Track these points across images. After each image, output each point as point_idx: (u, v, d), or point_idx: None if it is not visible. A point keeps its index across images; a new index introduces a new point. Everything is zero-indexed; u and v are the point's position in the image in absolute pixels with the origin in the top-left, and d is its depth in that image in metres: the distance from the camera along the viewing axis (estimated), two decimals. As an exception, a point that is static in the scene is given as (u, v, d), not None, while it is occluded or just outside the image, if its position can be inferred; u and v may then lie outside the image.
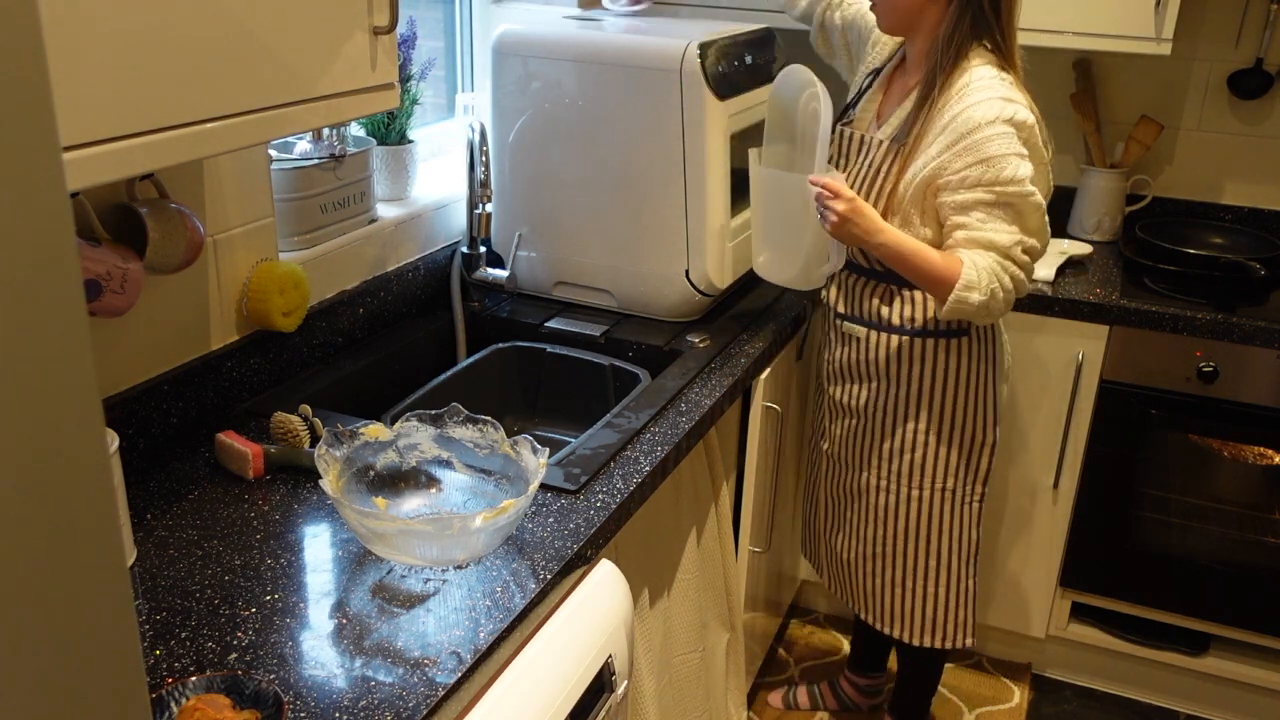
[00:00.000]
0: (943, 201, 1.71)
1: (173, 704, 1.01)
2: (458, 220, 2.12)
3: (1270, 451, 2.25)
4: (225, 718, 0.98)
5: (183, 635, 1.11)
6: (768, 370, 1.96)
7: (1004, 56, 1.72)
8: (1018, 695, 2.53)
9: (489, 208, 2.00)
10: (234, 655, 1.08)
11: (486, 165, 1.97)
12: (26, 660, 0.57)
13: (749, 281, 2.13)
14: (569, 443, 1.55)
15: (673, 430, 1.59)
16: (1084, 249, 2.47)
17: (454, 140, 2.30)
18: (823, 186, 1.70)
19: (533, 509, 1.36)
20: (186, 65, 1.01)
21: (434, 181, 2.12)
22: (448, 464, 1.38)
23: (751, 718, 2.38)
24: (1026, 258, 1.71)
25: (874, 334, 1.88)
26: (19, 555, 0.55)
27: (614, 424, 1.59)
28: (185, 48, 1.01)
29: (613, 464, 1.48)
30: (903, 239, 1.72)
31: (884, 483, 1.94)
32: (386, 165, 1.97)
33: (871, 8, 1.78)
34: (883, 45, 1.92)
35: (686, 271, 1.95)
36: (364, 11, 1.23)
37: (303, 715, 1.01)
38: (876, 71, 1.91)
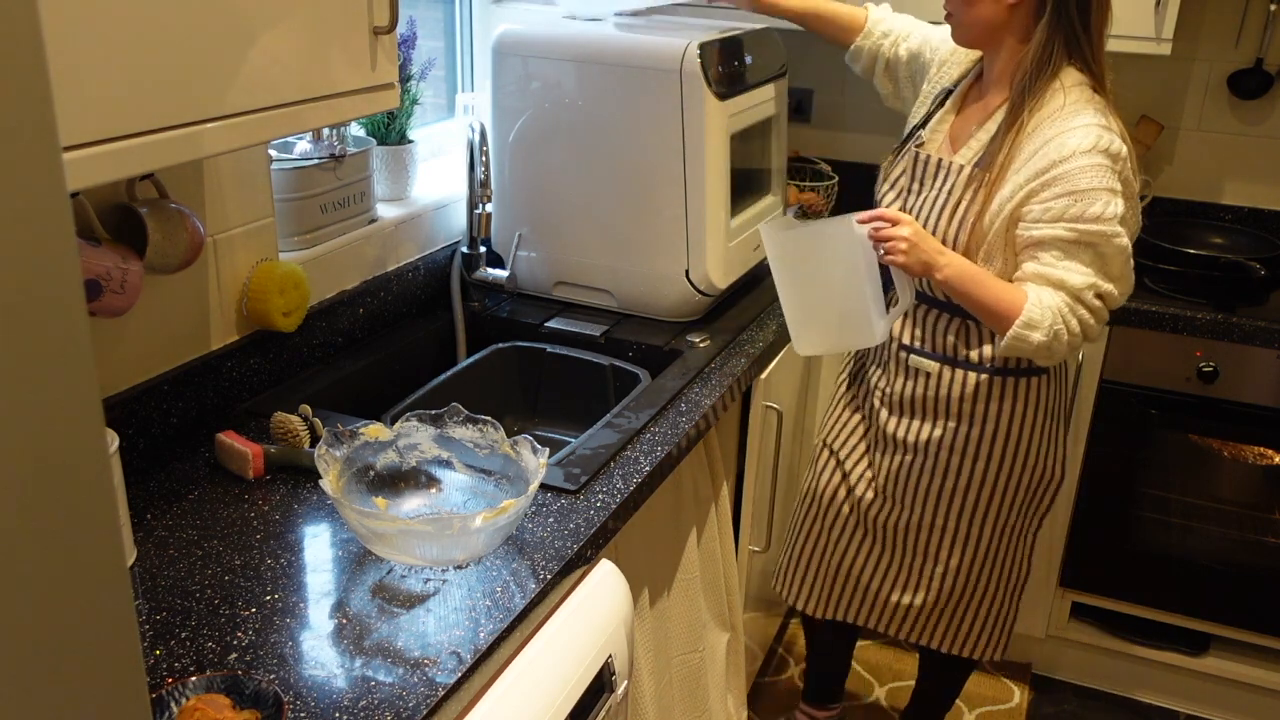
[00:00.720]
0: (1019, 232, 1.59)
1: (173, 704, 1.01)
2: (458, 220, 2.12)
3: (1270, 451, 2.25)
4: (225, 718, 0.98)
5: (183, 635, 1.11)
6: (768, 370, 1.96)
7: (1095, 77, 1.61)
8: (1018, 695, 2.53)
9: (489, 208, 2.00)
10: (234, 655, 1.08)
11: (486, 165, 1.97)
12: (27, 660, 0.56)
13: (749, 281, 2.13)
14: (569, 443, 1.55)
15: (673, 430, 1.59)
16: (1084, 249, 2.47)
17: (454, 140, 2.30)
18: (876, 218, 1.60)
19: (533, 509, 1.36)
20: (187, 65, 1.01)
21: (434, 181, 2.12)
22: (448, 464, 1.38)
23: (752, 718, 2.38)
24: (1099, 303, 1.58)
25: (948, 370, 1.75)
26: (19, 555, 0.55)
27: (614, 424, 1.59)
28: (185, 48, 1.01)
29: (613, 464, 1.48)
30: (966, 263, 1.62)
31: (939, 520, 1.83)
32: (386, 165, 1.97)
33: (946, 18, 1.68)
34: (951, 64, 1.82)
35: (686, 271, 1.95)
36: (364, 11, 1.23)
37: (303, 715, 1.01)
38: (948, 92, 1.80)
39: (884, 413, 1.85)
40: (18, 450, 0.54)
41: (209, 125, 1.05)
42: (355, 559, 1.26)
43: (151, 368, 1.48)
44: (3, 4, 0.51)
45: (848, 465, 1.92)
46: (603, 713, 1.27)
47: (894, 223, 1.60)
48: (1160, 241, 2.42)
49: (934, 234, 1.66)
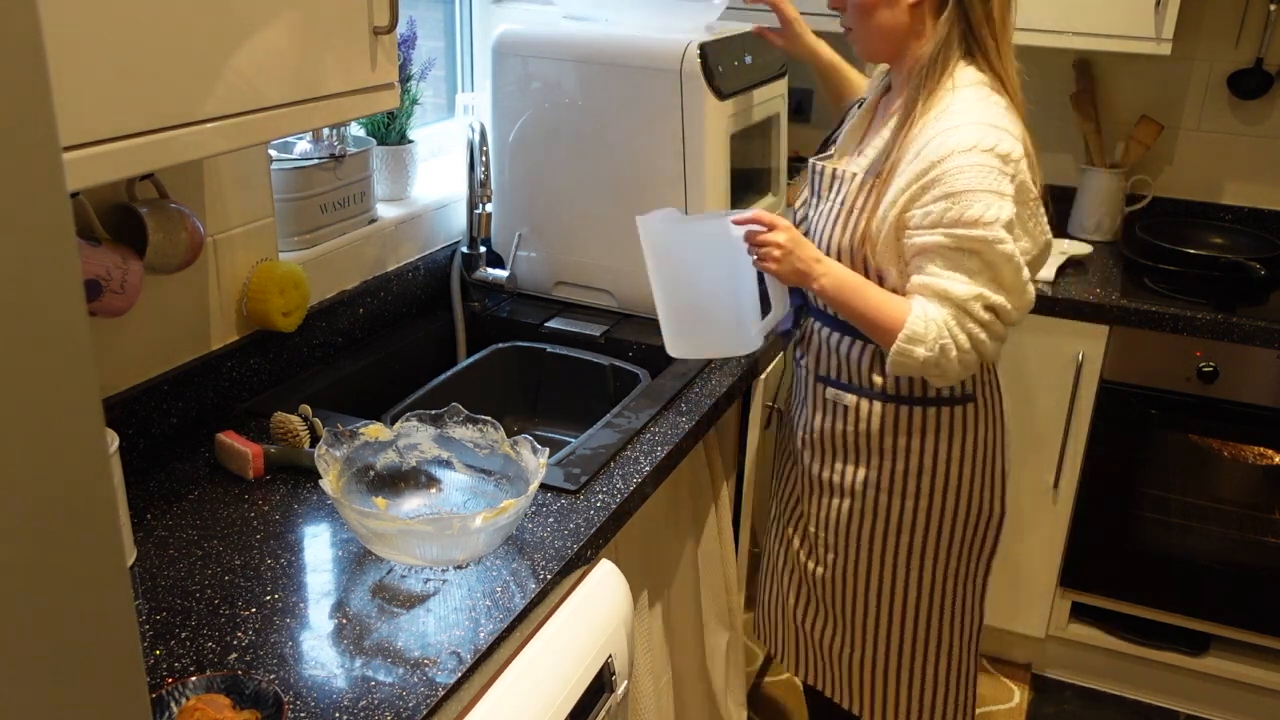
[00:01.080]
0: (905, 242, 1.49)
1: (173, 704, 1.01)
2: (458, 220, 2.12)
3: (1270, 451, 2.25)
4: (225, 718, 0.98)
5: (183, 635, 1.11)
6: (768, 370, 1.96)
7: (998, 78, 1.50)
8: (1018, 695, 2.53)
9: (489, 208, 2.00)
10: (234, 655, 1.08)
11: (486, 165, 1.97)
12: (27, 660, 0.56)
13: (749, 281, 2.12)
14: (569, 443, 1.55)
15: (673, 430, 1.59)
16: (1084, 249, 2.47)
17: (454, 140, 2.30)
18: (752, 221, 1.50)
19: (533, 509, 1.36)
20: (187, 65, 1.01)
21: (434, 181, 2.12)
22: (448, 464, 1.38)
23: (752, 718, 2.38)
24: (990, 316, 1.45)
25: (865, 402, 1.62)
26: (19, 555, 0.55)
27: (614, 424, 1.59)
28: (185, 47, 1.01)
29: (613, 464, 1.48)
30: (847, 273, 1.52)
31: (878, 568, 1.69)
32: (386, 165, 1.97)
33: (846, 34, 1.59)
34: (874, 80, 1.74)
35: (686, 271, 1.95)
36: (364, 11, 1.23)
37: (303, 715, 1.01)
38: (862, 102, 1.71)
39: (807, 455, 1.73)
40: (18, 450, 0.54)
41: (209, 125, 1.05)
42: (355, 559, 1.26)
43: (151, 368, 1.48)
44: (3, 4, 0.51)
45: (786, 516, 1.82)
46: (603, 713, 1.27)
47: (770, 227, 1.50)
48: (1160, 241, 2.42)
49: (827, 246, 1.57)
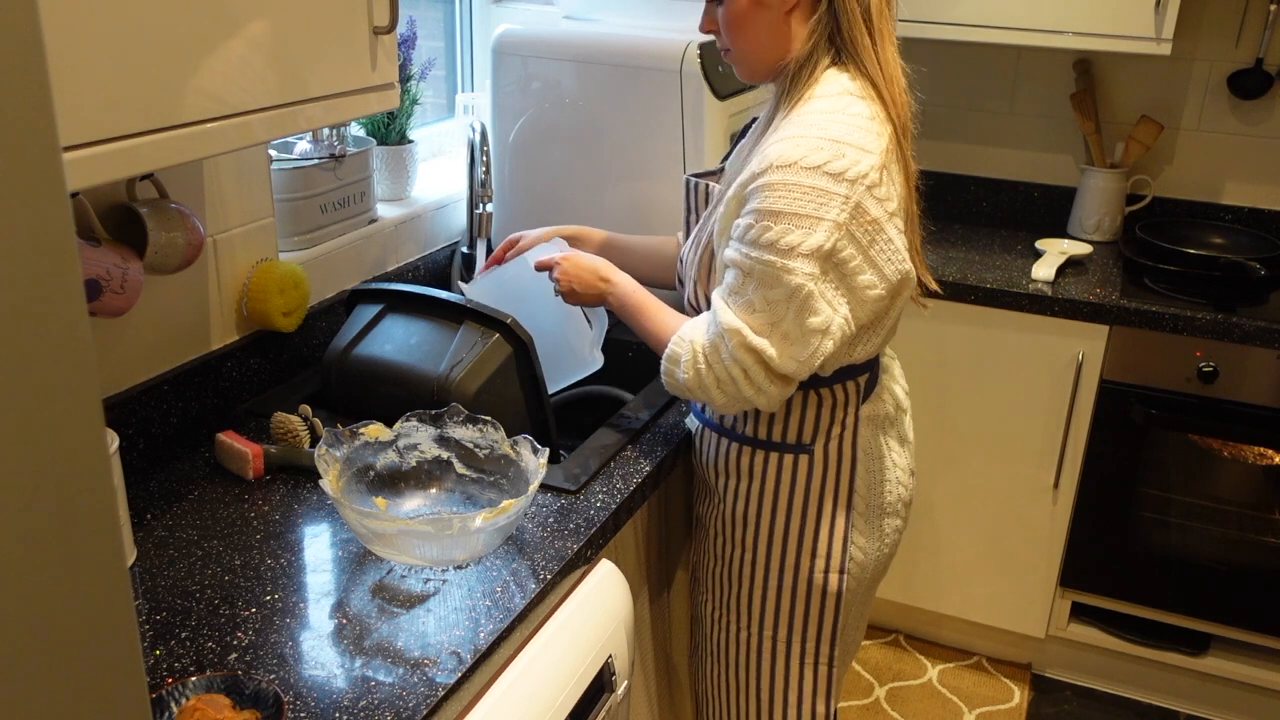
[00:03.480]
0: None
1: (173, 704, 1.01)
2: (458, 220, 2.12)
3: (1270, 451, 2.25)
4: (225, 718, 0.98)
5: (183, 635, 1.11)
6: (768, 370, 1.95)
7: (870, 83, 1.32)
8: (1018, 695, 2.53)
9: (489, 208, 2.00)
10: (234, 655, 1.08)
11: (486, 165, 1.97)
12: (26, 660, 0.56)
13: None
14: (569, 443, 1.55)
15: (673, 430, 1.59)
16: (1084, 249, 2.47)
17: (454, 140, 2.30)
18: (539, 264, 1.56)
19: (533, 509, 1.36)
20: (187, 65, 1.01)
21: (434, 181, 2.12)
22: (448, 464, 1.38)
23: (751, 718, 2.37)
24: (749, 358, 1.29)
25: (705, 431, 1.54)
26: (19, 555, 0.55)
27: (614, 424, 1.59)
28: (185, 48, 1.01)
29: (613, 464, 1.48)
30: (631, 289, 1.47)
31: (717, 613, 1.58)
32: (386, 165, 1.97)
33: (725, 55, 1.43)
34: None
35: (686, 271, 1.95)
36: (364, 11, 1.23)
37: (303, 715, 1.01)
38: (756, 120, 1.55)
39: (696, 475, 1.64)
40: (18, 450, 0.54)
41: (209, 125, 1.05)
42: (355, 559, 1.26)
43: (151, 368, 1.48)
44: (3, 4, 0.51)
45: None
46: (603, 713, 1.27)
47: (552, 262, 1.52)
48: (1160, 241, 2.42)
49: (687, 267, 1.49)
